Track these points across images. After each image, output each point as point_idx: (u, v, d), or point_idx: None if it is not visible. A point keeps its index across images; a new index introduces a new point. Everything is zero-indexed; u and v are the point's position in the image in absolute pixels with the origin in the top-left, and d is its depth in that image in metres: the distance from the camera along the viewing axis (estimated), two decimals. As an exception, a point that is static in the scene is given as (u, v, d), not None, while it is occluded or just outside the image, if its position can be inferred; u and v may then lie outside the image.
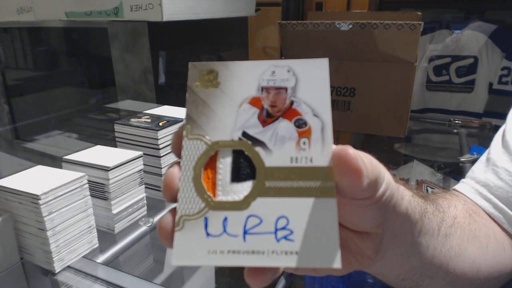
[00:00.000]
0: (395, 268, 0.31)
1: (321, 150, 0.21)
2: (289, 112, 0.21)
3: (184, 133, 0.22)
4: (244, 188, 0.21)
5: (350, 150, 0.20)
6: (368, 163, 0.21)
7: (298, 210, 0.20)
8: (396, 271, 0.32)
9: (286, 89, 0.22)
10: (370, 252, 0.25)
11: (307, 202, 0.20)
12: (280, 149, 0.21)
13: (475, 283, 0.36)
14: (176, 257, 0.20)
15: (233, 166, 0.21)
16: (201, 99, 0.22)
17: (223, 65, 0.22)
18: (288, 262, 0.19)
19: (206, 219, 0.20)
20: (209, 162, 0.21)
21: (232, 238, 0.20)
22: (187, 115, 0.22)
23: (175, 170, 0.22)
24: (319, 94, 0.21)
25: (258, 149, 0.21)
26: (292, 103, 0.22)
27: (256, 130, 0.21)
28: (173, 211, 0.21)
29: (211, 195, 0.21)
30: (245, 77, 0.22)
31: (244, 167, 0.21)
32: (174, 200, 0.21)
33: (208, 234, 0.20)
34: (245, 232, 0.20)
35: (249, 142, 0.21)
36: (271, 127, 0.21)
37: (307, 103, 0.21)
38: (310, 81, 0.22)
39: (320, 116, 0.21)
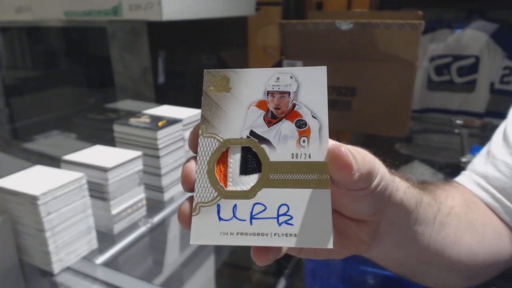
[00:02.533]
0: (392, 254, 0.33)
1: (318, 148, 0.24)
2: (291, 114, 0.25)
3: (200, 132, 0.25)
4: (251, 180, 0.24)
5: (342, 148, 0.23)
6: (359, 158, 0.23)
7: (298, 199, 0.23)
8: (393, 256, 0.34)
9: (289, 93, 0.25)
10: (366, 238, 0.28)
11: (305, 192, 0.23)
12: (283, 146, 0.24)
13: (471, 269, 0.38)
14: (193, 238, 0.23)
15: (242, 161, 0.25)
16: (214, 102, 0.25)
17: (234, 72, 0.26)
18: (288, 243, 0.23)
19: (218, 206, 0.24)
20: (221, 157, 0.25)
21: (241, 222, 0.23)
22: (202, 116, 0.25)
23: (192, 164, 0.24)
24: (318, 98, 0.24)
25: (264, 146, 0.24)
26: (294, 106, 0.25)
27: (262, 130, 0.25)
28: (191, 199, 0.24)
29: (223, 185, 0.24)
30: (253, 83, 0.25)
31: (251, 161, 0.25)
32: (192, 190, 0.24)
33: (220, 219, 0.23)
34: (251, 217, 0.23)
35: (256, 140, 0.24)
36: (275, 127, 0.25)
37: (307, 106, 0.24)
38: (310, 86, 0.25)
39: (318, 117, 0.24)
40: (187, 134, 0.82)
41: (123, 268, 0.62)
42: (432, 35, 1.53)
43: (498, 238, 0.40)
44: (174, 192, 0.81)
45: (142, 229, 0.70)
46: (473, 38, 1.46)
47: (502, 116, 0.49)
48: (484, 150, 0.47)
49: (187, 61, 2.00)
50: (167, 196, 0.79)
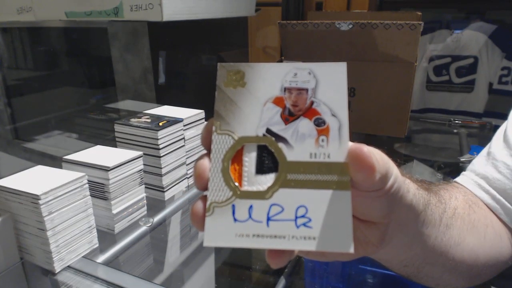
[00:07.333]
0: (398, 255, 0.33)
1: (338, 147, 0.23)
2: (309, 112, 0.23)
3: (214, 128, 0.24)
4: (268, 179, 0.23)
5: (365, 148, 0.22)
6: (379, 159, 0.23)
7: (316, 200, 0.22)
8: (399, 257, 0.34)
9: (307, 90, 0.24)
10: (375, 240, 0.27)
11: (325, 194, 0.22)
12: (300, 145, 0.23)
13: (473, 270, 0.39)
14: (207, 239, 0.22)
15: (257, 159, 0.24)
16: (229, 97, 0.24)
17: (249, 66, 0.24)
18: (307, 246, 0.22)
19: (233, 206, 0.23)
20: (236, 156, 0.24)
21: (257, 223, 0.22)
22: (216, 112, 0.24)
23: (206, 161, 0.23)
24: (337, 95, 0.23)
25: (281, 145, 0.23)
26: (312, 103, 0.24)
27: (279, 127, 0.23)
28: (204, 198, 0.23)
29: (238, 185, 0.23)
30: (269, 78, 0.24)
31: (268, 161, 0.23)
32: (205, 188, 0.23)
33: (235, 220, 0.22)
34: (268, 219, 0.22)
35: (273, 138, 0.23)
36: (293, 125, 0.23)
37: (326, 103, 0.23)
38: (329, 83, 0.23)
39: (338, 116, 0.23)
40: (187, 134, 0.82)
41: (124, 267, 0.63)
42: (431, 35, 1.53)
43: (499, 239, 0.41)
44: (175, 192, 0.81)
45: (143, 229, 0.70)
46: (472, 38, 1.46)
47: (501, 116, 0.49)
48: (484, 151, 0.47)
49: (187, 61, 2.00)
50: (167, 195, 0.79)
